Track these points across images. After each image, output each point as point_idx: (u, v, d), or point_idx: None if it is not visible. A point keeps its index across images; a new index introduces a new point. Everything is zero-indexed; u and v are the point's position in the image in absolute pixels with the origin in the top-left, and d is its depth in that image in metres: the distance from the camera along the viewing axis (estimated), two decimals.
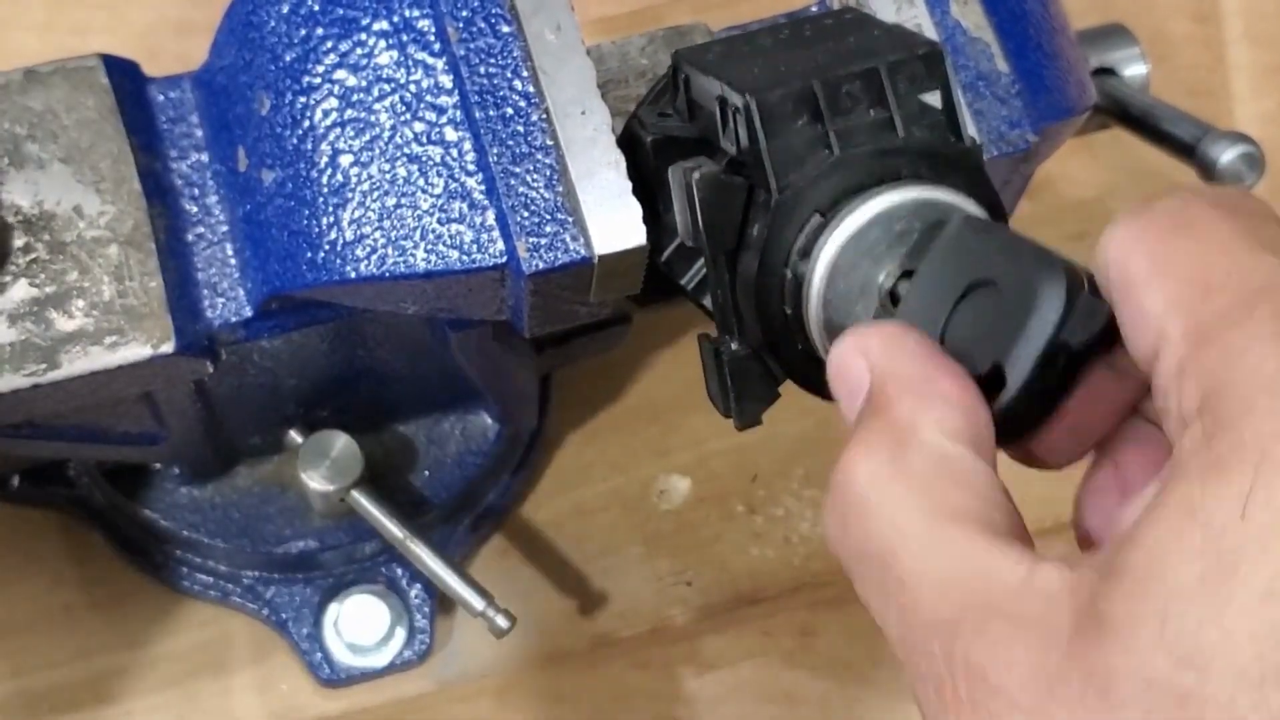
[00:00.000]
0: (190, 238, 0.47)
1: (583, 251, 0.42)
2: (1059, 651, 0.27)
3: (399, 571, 0.62)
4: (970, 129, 0.46)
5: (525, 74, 0.43)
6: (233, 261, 0.47)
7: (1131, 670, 0.26)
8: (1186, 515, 0.26)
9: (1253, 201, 0.31)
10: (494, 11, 0.43)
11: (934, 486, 0.31)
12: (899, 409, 0.32)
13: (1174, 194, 0.31)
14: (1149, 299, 0.30)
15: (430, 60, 0.43)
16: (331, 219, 0.43)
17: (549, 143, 0.42)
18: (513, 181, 0.42)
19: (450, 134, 0.43)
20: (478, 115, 0.43)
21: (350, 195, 0.43)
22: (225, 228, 0.47)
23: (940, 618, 0.29)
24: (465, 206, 0.42)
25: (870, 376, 0.33)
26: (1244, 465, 0.26)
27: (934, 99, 0.38)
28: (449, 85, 0.43)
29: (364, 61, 0.43)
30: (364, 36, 0.43)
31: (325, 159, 0.43)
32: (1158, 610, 0.26)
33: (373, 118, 0.43)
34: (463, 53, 0.43)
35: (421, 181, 0.43)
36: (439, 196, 0.43)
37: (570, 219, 0.42)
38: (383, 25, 0.43)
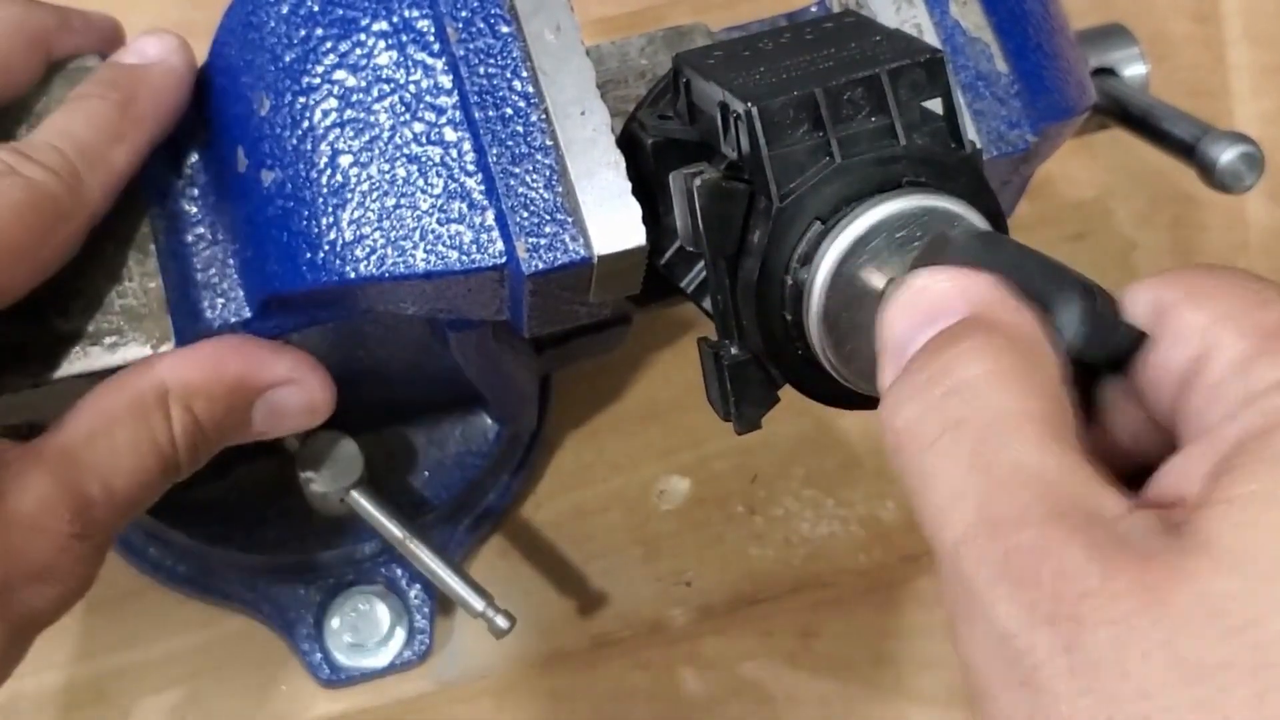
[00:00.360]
0: (189, 238, 0.47)
1: (582, 252, 0.42)
2: (1161, 573, 0.27)
3: (399, 572, 0.62)
4: (970, 131, 0.46)
5: (525, 74, 0.43)
6: (232, 262, 0.47)
7: (1246, 594, 0.27)
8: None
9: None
10: (493, 12, 0.43)
11: (1056, 405, 0.31)
12: (1025, 331, 0.32)
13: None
14: (1190, 316, 0.31)
15: (430, 60, 0.43)
16: (331, 219, 0.43)
17: (548, 143, 0.42)
18: (512, 182, 0.42)
19: (449, 134, 0.43)
20: (477, 115, 0.43)
21: (350, 196, 0.43)
22: (225, 228, 0.47)
23: (1043, 508, 0.29)
24: (465, 207, 0.42)
25: (972, 306, 0.33)
26: None
27: (935, 105, 0.39)
28: (448, 85, 0.43)
29: (363, 62, 0.43)
30: (363, 37, 0.43)
31: (325, 159, 0.43)
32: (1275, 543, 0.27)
33: (372, 118, 0.43)
34: (462, 53, 0.43)
35: (421, 182, 0.43)
36: (438, 197, 0.42)
37: (570, 219, 0.42)
38: (382, 25, 0.43)
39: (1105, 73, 0.60)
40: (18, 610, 0.40)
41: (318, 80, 0.43)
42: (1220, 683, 0.26)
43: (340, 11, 0.44)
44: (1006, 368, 0.31)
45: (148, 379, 0.43)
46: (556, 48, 0.43)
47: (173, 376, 0.44)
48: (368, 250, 0.43)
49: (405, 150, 0.43)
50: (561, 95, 0.43)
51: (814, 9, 0.51)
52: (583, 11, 0.44)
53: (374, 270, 0.42)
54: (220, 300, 0.47)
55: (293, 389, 0.46)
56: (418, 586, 0.62)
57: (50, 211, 0.41)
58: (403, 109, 0.43)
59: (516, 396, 0.61)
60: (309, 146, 0.43)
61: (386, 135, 0.43)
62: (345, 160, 0.43)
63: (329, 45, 0.44)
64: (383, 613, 0.62)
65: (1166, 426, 0.32)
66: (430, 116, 0.43)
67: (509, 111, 0.43)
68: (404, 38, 0.43)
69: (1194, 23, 0.76)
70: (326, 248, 0.43)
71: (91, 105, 0.44)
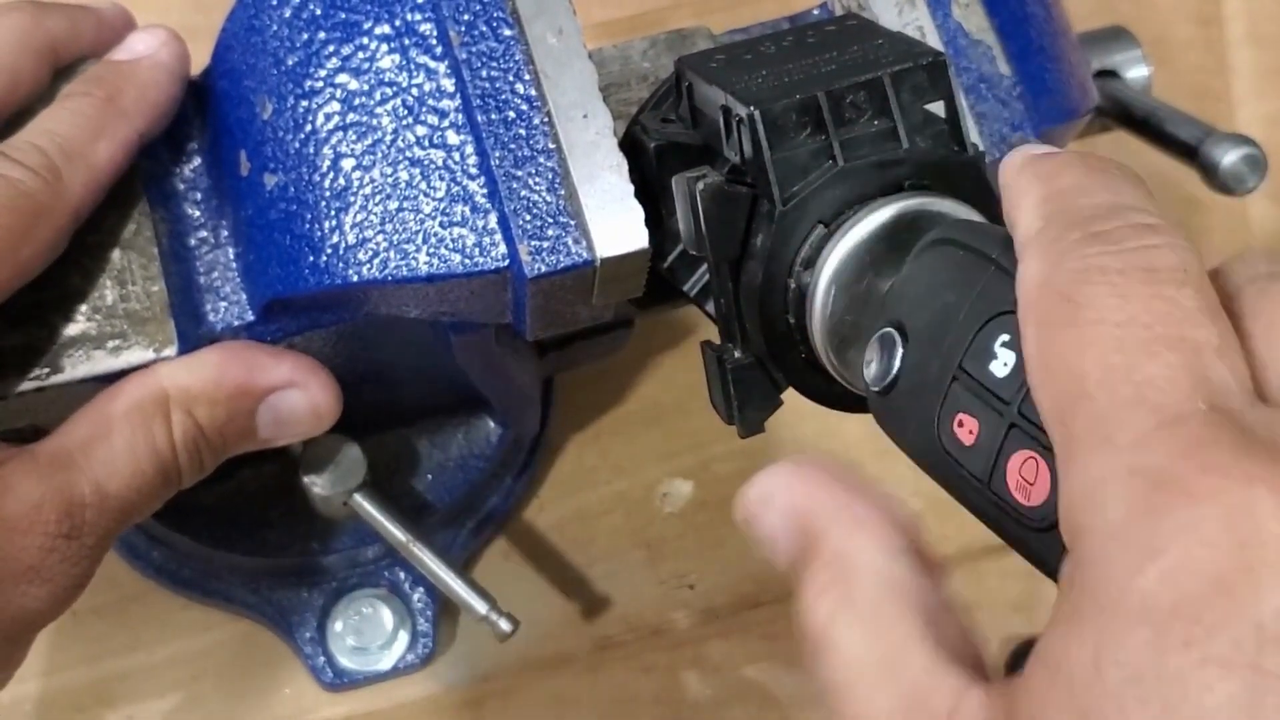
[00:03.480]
0: (192, 242, 0.47)
1: (585, 255, 0.42)
2: None
3: (402, 575, 0.62)
4: (973, 134, 0.46)
5: (527, 77, 0.43)
6: (235, 265, 0.47)
7: None
8: (1053, 668, 0.26)
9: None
10: (496, 15, 0.43)
11: (881, 614, 0.31)
12: (832, 541, 0.32)
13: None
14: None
15: (432, 64, 0.43)
16: (334, 222, 0.43)
17: (551, 146, 0.42)
18: (515, 185, 0.42)
19: (452, 137, 0.43)
20: (480, 119, 0.43)
21: (352, 199, 0.43)
22: (227, 232, 0.47)
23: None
24: (467, 210, 0.42)
25: (785, 521, 0.33)
26: (1098, 615, 0.25)
27: (938, 108, 0.38)
28: (451, 89, 0.43)
29: (366, 65, 0.43)
30: (366, 40, 0.44)
31: (327, 163, 0.43)
32: None
33: (375, 121, 0.43)
34: (465, 56, 0.43)
35: (424, 185, 0.43)
36: (441, 200, 0.43)
37: (572, 222, 0.42)
38: (385, 29, 0.44)
39: (1108, 75, 0.60)
40: (7, 610, 0.40)
41: (320, 84, 0.43)
42: None
43: (343, 15, 0.44)
44: (837, 611, 0.31)
45: (148, 385, 0.44)
46: (559, 51, 0.43)
47: (173, 383, 0.44)
48: (370, 253, 0.43)
49: (408, 153, 0.43)
50: (564, 98, 0.43)
51: (816, 12, 0.51)
52: (585, 14, 0.44)
53: (376, 273, 0.43)
54: (223, 303, 0.47)
55: (296, 392, 0.47)
56: (421, 589, 0.62)
57: (28, 210, 0.41)
58: (405, 112, 0.43)
59: (519, 399, 0.61)
60: (311, 150, 0.43)
61: (389, 138, 0.43)
62: (348, 163, 0.43)
63: (331, 49, 0.44)
64: (386, 616, 0.62)
65: None
66: (433, 120, 0.43)
67: (511, 115, 0.43)
68: (406, 41, 0.43)
69: (1196, 25, 0.76)
70: (329, 251, 0.43)
71: (75, 103, 0.45)
